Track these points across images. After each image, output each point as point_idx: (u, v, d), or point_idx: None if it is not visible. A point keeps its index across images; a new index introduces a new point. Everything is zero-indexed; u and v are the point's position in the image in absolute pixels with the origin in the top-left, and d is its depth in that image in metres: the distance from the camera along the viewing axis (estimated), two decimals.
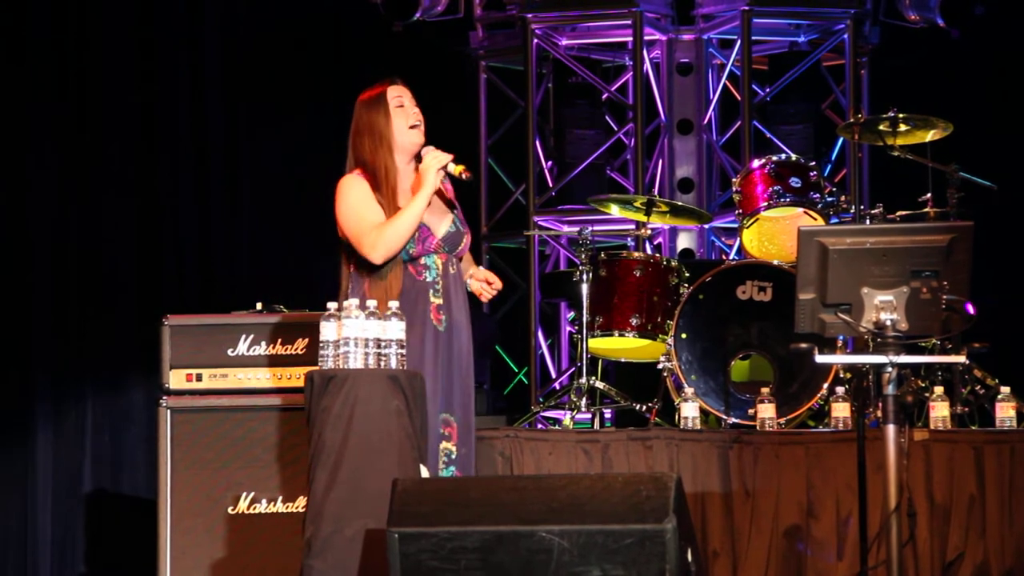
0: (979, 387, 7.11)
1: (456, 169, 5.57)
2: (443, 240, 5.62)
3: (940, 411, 6.71)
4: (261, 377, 6.68)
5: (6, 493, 8.20)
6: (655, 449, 6.62)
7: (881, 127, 7.44)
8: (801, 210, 7.55)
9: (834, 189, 7.65)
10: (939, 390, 6.80)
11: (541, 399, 8.79)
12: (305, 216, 8.71)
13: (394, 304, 5.35)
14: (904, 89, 8.87)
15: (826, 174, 8.95)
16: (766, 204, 7.54)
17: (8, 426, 8.21)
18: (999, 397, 6.83)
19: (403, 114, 5.64)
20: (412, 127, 5.64)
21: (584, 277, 7.49)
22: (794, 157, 7.74)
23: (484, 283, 5.77)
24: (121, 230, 8.55)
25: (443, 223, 5.65)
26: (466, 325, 5.67)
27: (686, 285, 7.48)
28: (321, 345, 5.30)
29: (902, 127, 7.43)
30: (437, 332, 5.58)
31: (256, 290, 7.15)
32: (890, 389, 5.10)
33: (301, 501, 6.38)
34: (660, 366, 7.36)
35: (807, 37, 9.66)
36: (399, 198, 5.59)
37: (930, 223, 7.03)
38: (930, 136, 7.49)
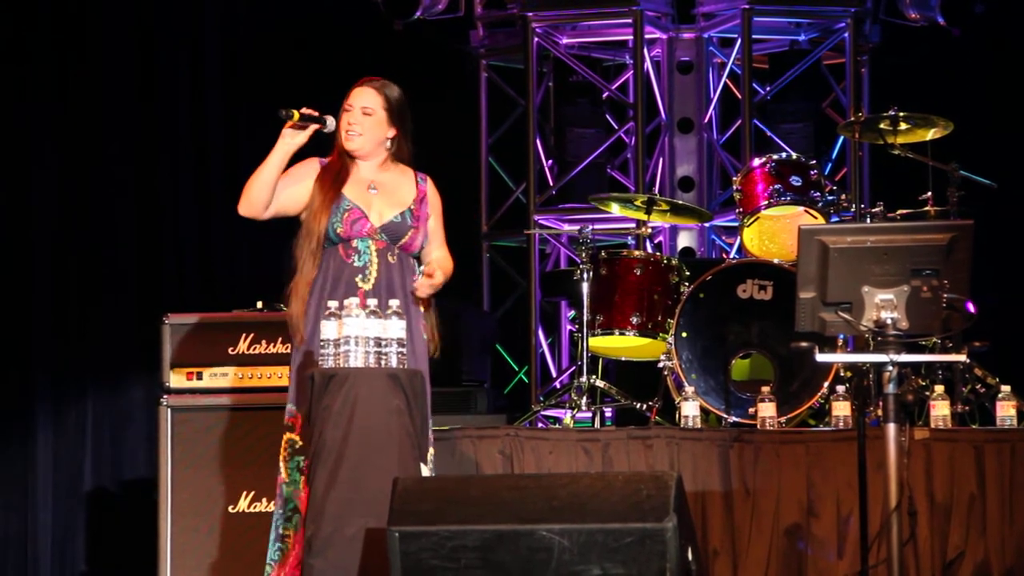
0: (979, 386, 7.11)
1: (294, 116, 5.62)
2: (382, 228, 5.66)
3: (940, 410, 6.70)
4: (262, 376, 6.68)
5: (7, 492, 8.20)
6: (655, 448, 6.61)
7: (881, 126, 7.44)
8: (802, 209, 7.55)
9: (835, 188, 7.65)
10: (939, 389, 6.80)
11: (541, 398, 8.79)
12: None
13: (395, 303, 5.36)
14: (904, 88, 8.87)
15: (827, 173, 8.93)
16: (767, 203, 7.54)
17: (9, 425, 8.21)
18: (999, 396, 6.83)
19: (345, 118, 5.74)
20: (346, 132, 5.72)
21: (584, 276, 7.49)
22: (795, 156, 7.74)
23: (423, 275, 5.67)
24: (121, 230, 8.55)
25: (388, 212, 5.68)
26: (406, 320, 5.63)
27: (686, 284, 7.48)
28: (322, 344, 5.30)
29: (902, 126, 7.43)
30: None
31: (256, 289, 7.15)
32: (890, 388, 5.10)
33: None
34: (660, 365, 7.36)
35: (807, 36, 9.65)
36: (345, 189, 5.67)
37: (930, 222, 7.03)
38: (930, 135, 7.49)
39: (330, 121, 5.70)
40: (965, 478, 6.37)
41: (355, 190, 5.69)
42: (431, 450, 5.67)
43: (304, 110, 5.66)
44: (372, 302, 5.33)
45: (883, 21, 9.63)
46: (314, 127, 5.66)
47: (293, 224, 5.84)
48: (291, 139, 5.66)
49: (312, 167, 5.75)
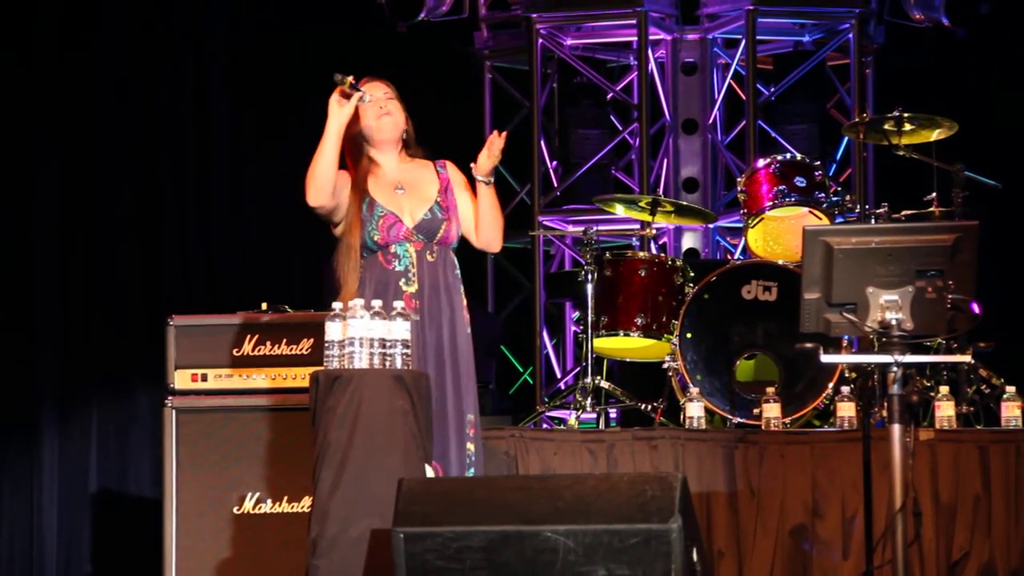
0: (984, 387, 7.10)
1: (346, 82, 5.60)
2: (416, 228, 5.65)
3: (945, 411, 6.71)
4: (266, 377, 6.68)
5: (13, 493, 8.21)
6: (660, 449, 6.62)
7: (886, 126, 7.44)
8: (806, 210, 7.55)
9: (839, 189, 7.65)
10: (944, 390, 6.80)
11: (546, 399, 8.78)
12: (309, 216, 8.69)
13: (399, 304, 5.37)
14: (909, 88, 8.87)
15: (831, 174, 8.94)
16: (771, 204, 7.54)
17: (14, 426, 8.22)
18: (1004, 396, 6.83)
19: (370, 108, 5.71)
20: (380, 116, 5.70)
21: (589, 277, 7.49)
22: (799, 157, 7.74)
23: (486, 151, 5.65)
24: (124, 231, 8.55)
25: (419, 211, 5.68)
26: (450, 316, 5.64)
27: (691, 285, 7.48)
28: (326, 345, 5.30)
29: (907, 126, 7.42)
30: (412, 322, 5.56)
31: (261, 291, 7.15)
32: (895, 388, 5.10)
33: (306, 501, 6.38)
34: (665, 366, 7.36)
35: (812, 37, 9.65)
36: (375, 196, 5.66)
37: (935, 222, 7.03)
38: (935, 135, 7.49)
39: (367, 94, 5.67)
40: (970, 479, 6.37)
41: (384, 195, 5.68)
42: (470, 446, 5.66)
43: (351, 78, 5.63)
44: (377, 303, 5.33)
45: (887, 22, 9.63)
46: (358, 96, 5.63)
47: (292, 225, 5.84)
48: (341, 112, 5.59)
49: (345, 176, 5.72)
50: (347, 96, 5.61)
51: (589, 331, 7.45)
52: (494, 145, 5.64)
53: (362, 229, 5.61)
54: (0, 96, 8.36)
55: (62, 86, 8.49)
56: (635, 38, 9.46)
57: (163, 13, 8.76)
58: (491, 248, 5.79)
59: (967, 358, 6.42)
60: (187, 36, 8.85)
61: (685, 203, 8.44)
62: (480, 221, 5.73)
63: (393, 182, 5.73)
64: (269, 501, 6.60)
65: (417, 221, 5.67)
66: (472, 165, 5.71)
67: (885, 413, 5.25)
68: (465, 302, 5.72)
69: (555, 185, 9.58)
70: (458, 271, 5.73)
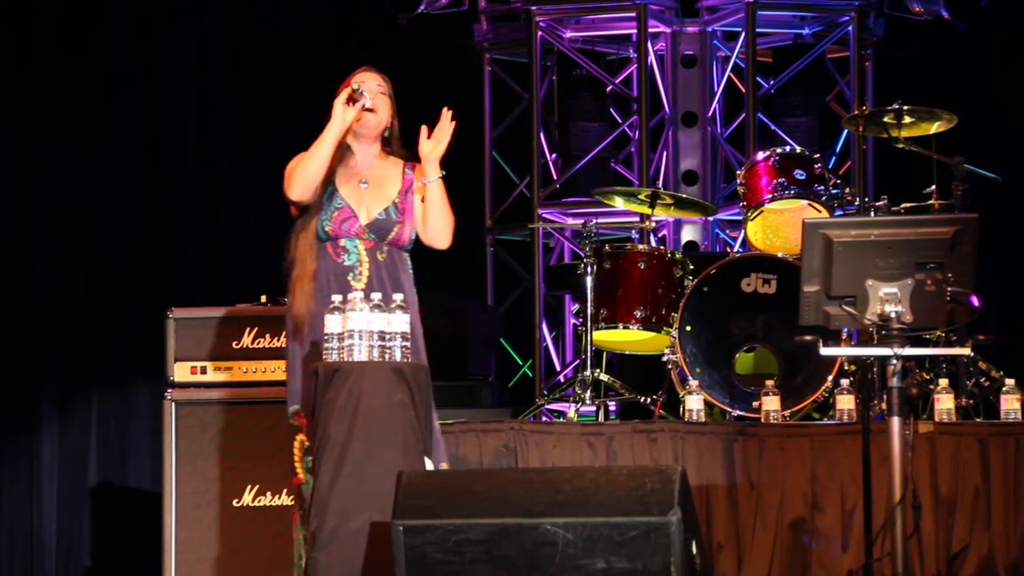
0: (984, 379, 7.11)
1: (360, 90, 5.60)
2: (368, 226, 5.62)
3: (945, 403, 6.71)
4: (266, 370, 6.68)
5: (13, 486, 8.22)
6: (660, 442, 6.62)
7: (886, 119, 7.44)
8: (805, 202, 7.54)
9: (838, 181, 7.65)
10: (944, 382, 6.81)
11: (546, 392, 8.78)
12: None
13: (398, 297, 5.36)
14: (909, 81, 8.86)
15: (830, 166, 8.93)
16: (770, 196, 7.53)
17: (14, 419, 8.22)
18: (1004, 389, 6.83)
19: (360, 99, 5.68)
20: (364, 110, 5.67)
21: (588, 270, 7.49)
22: (798, 149, 7.74)
23: (426, 136, 5.61)
24: (125, 226, 8.55)
25: (375, 209, 5.66)
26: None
27: (690, 278, 7.48)
28: (326, 338, 5.30)
29: (907, 119, 7.42)
30: None
31: (260, 285, 7.15)
32: (895, 381, 5.11)
33: None
34: (664, 359, 7.36)
35: (811, 29, 9.64)
36: (339, 184, 5.64)
37: (935, 215, 7.03)
38: (935, 128, 7.49)
39: (369, 100, 5.65)
40: (969, 471, 6.37)
41: (348, 186, 5.67)
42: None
43: (364, 87, 5.61)
44: (376, 295, 5.33)
45: (887, 15, 9.63)
46: (363, 102, 5.62)
47: (292, 220, 5.82)
48: (344, 116, 5.57)
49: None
50: (353, 101, 5.60)
51: (588, 324, 7.45)
52: (442, 127, 5.59)
53: (318, 215, 5.60)
54: (3, 94, 8.36)
55: (64, 84, 8.49)
56: (635, 31, 9.46)
57: (167, 9, 8.75)
58: (438, 244, 5.69)
59: (966, 351, 6.41)
60: (191, 31, 8.84)
61: (684, 196, 8.43)
62: (428, 217, 5.65)
63: (359, 175, 5.70)
64: (268, 494, 6.61)
65: (371, 219, 5.63)
66: (418, 170, 5.65)
67: (884, 406, 5.25)
68: (416, 300, 5.69)
69: (554, 178, 9.57)
70: (411, 271, 5.70)
